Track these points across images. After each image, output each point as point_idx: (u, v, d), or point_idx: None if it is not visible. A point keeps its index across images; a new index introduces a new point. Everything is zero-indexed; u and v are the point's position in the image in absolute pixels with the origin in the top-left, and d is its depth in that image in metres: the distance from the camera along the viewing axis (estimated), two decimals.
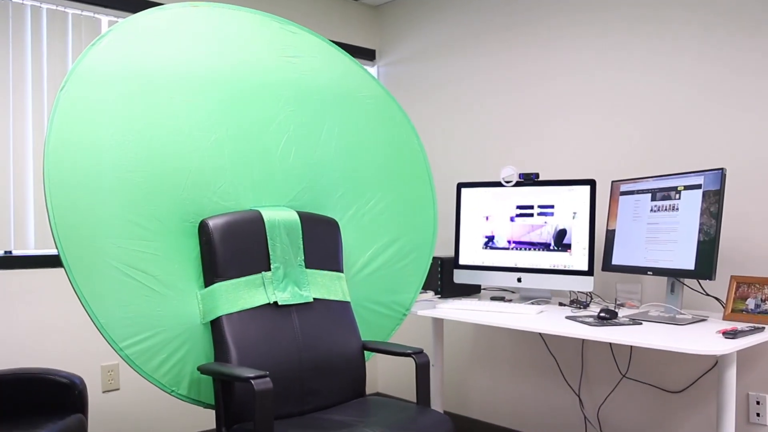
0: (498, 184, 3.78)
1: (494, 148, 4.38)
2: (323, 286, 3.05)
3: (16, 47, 3.63)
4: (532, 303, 3.59)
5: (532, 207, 3.67)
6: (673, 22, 3.54)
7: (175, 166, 2.80)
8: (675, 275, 3.09)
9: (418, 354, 2.95)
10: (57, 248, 2.51)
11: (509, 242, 3.72)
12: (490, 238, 3.77)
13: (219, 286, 2.78)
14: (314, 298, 3.00)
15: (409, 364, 4.89)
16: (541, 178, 3.83)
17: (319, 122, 3.23)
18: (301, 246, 3.02)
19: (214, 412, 3.48)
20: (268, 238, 2.94)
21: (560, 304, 3.58)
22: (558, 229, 3.59)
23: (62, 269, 2.54)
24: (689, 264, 3.02)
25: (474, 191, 3.85)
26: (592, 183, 3.53)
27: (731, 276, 3.09)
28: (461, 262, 3.85)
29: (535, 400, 4.16)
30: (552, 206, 3.62)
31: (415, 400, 4.71)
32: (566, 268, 3.55)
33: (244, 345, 2.73)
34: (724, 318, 3.04)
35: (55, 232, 2.51)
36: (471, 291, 4.01)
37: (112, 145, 2.65)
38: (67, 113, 2.57)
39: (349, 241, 3.27)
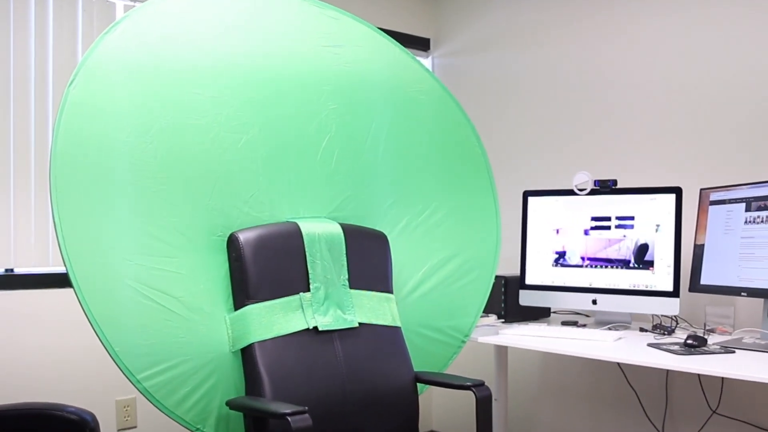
0: (570, 193, 3.75)
1: (566, 151, 4.35)
2: (370, 309, 3.02)
3: (18, 36, 3.59)
4: (609, 328, 3.55)
5: (609, 218, 3.65)
6: None
7: (200, 172, 2.77)
8: None
9: (478, 386, 2.90)
10: (65, 266, 2.47)
11: (583, 259, 3.70)
12: (561, 255, 3.75)
13: (251, 309, 2.74)
14: (360, 323, 2.97)
15: (469, 398, 4.79)
16: (619, 186, 3.78)
17: (365, 121, 3.21)
18: (345, 263, 2.99)
19: None
20: (306, 254, 2.90)
21: (641, 329, 3.53)
22: (639, 244, 3.56)
23: (71, 290, 2.59)
24: None
25: (542, 200, 3.83)
26: (677, 191, 3.50)
27: None
28: (528, 281, 3.83)
29: None
30: (632, 218, 3.59)
31: None
32: (648, 289, 3.52)
33: (280, 376, 2.70)
34: None
35: (63, 247, 2.46)
36: (539, 314, 3.98)
37: (128, 147, 2.62)
38: (77, 111, 2.54)
39: (400, 257, 3.23)
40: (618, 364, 4.00)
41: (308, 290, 2.88)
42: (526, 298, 3.82)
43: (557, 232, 3.76)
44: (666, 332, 3.37)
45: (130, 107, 2.64)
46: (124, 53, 2.65)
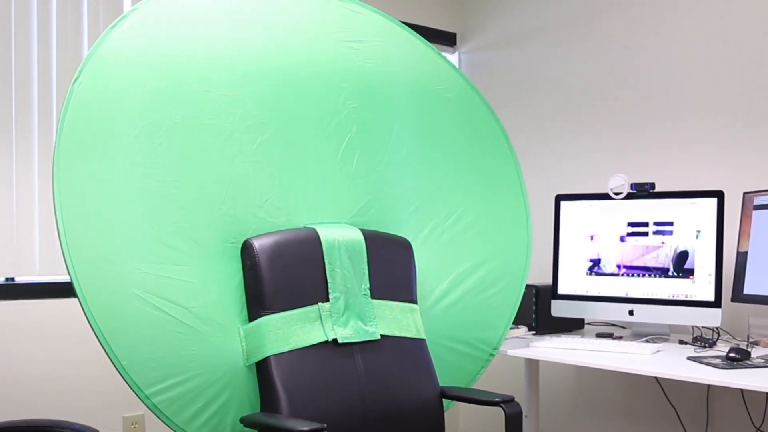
0: (605, 197, 3.74)
1: (600, 153, 4.33)
2: (393, 320, 2.99)
3: (19, 29, 3.57)
4: (647, 341, 3.52)
5: (646, 224, 3.63)
6: None
7: (212, 175, 2.76)
8: None
9: (508, 402, 2.88)
10: (69, 274, 2.44)
11: (619, 267, 3.68)
12: (596, 262, 3.74)
13: (266, 321, 2.72)
14: (382, 335, 2.95)
15: (498, 414, 4.70)
16: (657, 189, 3.75)
17: (387, 121, 3.20)
18: (366, 272, 2.97)
19: None
20: (325, 262, 2.88)
21: (681, 342, 3.50)
22: (678, 251, 3.54)
23: (75, 299, 2.61)
24: None
25: (576, 205, 3.82)
26: (719, 195, 3.48)
27: None
28: (560, 291, 3.82)
29: None
30: (671, 223, 3.58)
31: None
32: (688, 299, 3.50)
33: (297, 391, 2.67)
34: None
35: (66, 254, 2.44)
36: (572, 326, 3.95)
37: (136, 149, 2.60)
38: (82, 109, 2.52)
39: (425, 265, 3.20)
40: (656, 378, 3.95)
41: (327, 300, 2.85)
42: (558, 309, 3.80)
43: (591, 238, 3.74)
44: (707, 345, 3.34)
45: (138, 106, 2.62)
46: (132, 48, 2.63)
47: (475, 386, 3.29)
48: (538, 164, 4.63)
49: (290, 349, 2.71)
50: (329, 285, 2.86)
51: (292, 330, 2.74)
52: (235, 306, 2.75)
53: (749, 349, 3.08)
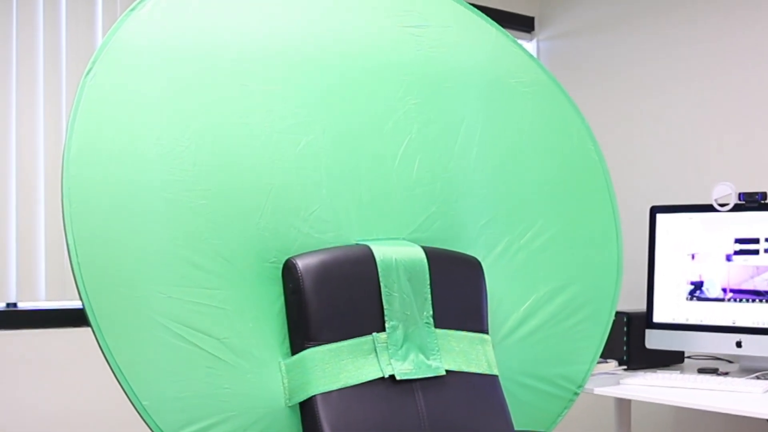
0: (709, 209, 3.67)
1: (702, 157, 4.26)
2: (460, 353, 2.93)
3: (23, 15, 3.55)
4: (757, 377, 3.42)
5: (757, 240, 3.57)
6: None
7: (248, 183, 2.71)
8: None
9: None
10: (81, 299, 2.40)
11: (725, 291, 3.62)
12: (698, 286, 3.68)
13: (312, 354, 2.67)
14: (447, 371, 2.87)
15: None
16: None
17: (454, 120, 3.15)
18: (429, 296, 2.90)
19: None
20: (381, 284, 2.83)
21: None
22: None
23: (88, 329, 2.63)
24: None
25: (674, 218, 3.79)
26: None
27: None
28: (656, 319, 3.76)
29: None
30: None
31: None
32: None
33: None
34: None
35: (78, 275, 2.38)
36: (670, 360, 3.89)
37: (160, 153, 2.55)
38: (96, 108, 2.48)
39: (497, 289, 3.14)
40: None
41: (383, 330, 2.80)
42: (653, 340, 3.74)
43: (692, 257, 3.69)
44: None
45: (162, 102, 2.58)
46: (154, 35, 2.60)
47: (556, 430, 3.27)
48: (630, 171, 4.58)
49: (340, 386, 2.66)
50: (386, 312, 2.81)
51: (342, 365, 2.70)
52: (276, 337, 2.70)
53: None
